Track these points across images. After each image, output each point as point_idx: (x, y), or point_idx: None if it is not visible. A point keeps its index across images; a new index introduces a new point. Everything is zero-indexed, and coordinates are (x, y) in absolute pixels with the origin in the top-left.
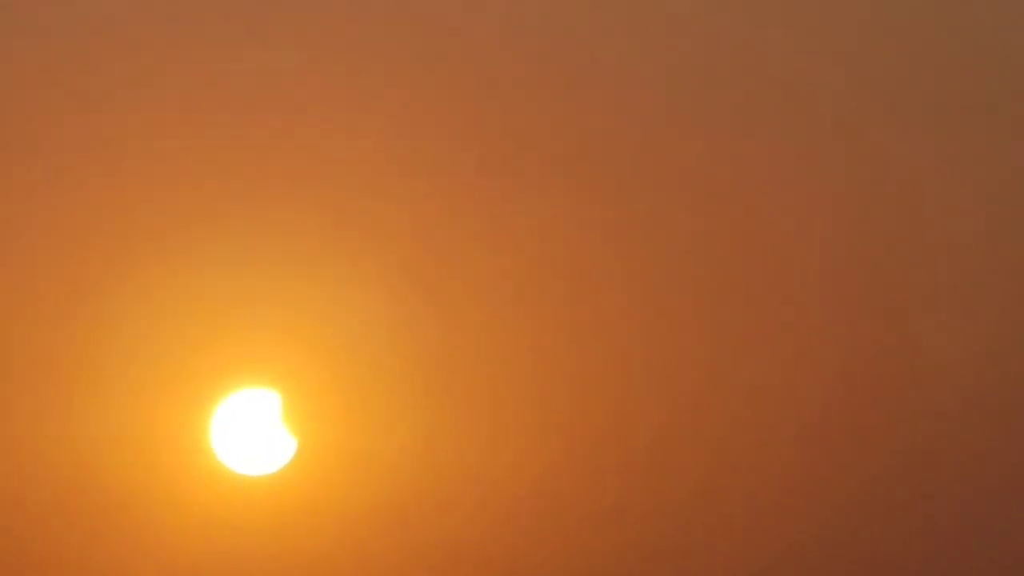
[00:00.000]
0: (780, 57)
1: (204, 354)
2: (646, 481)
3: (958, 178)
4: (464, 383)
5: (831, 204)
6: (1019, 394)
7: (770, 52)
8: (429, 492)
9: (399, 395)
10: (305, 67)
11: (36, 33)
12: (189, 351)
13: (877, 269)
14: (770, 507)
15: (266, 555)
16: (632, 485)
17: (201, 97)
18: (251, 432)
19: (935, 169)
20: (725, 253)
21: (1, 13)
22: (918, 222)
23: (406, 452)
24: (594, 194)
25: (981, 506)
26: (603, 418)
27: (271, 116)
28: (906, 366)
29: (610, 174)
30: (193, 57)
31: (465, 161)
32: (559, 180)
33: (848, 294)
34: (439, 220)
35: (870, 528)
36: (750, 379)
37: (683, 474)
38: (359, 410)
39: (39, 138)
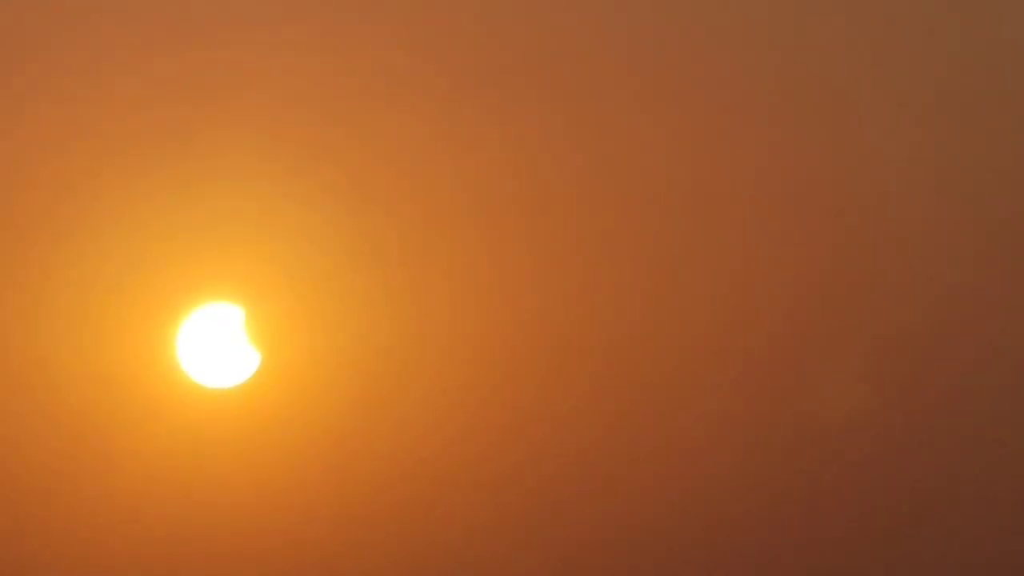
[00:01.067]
0: None
1: (169, 269)
2: (621, 372)
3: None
4: (426, 293)
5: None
6: None
7: None
8: (391, 404)
9: (361, 308)
10: None
11: None
12: (154, 266)
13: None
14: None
15: (231, 466)
16: (606, 375)
17: (171, 16)
18: (216, 346)
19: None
20: (701, 178)
21: None
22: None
23: (368, 364)
24: (555, 105)
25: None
26: (569, 316)
27: (242, 35)
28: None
29: (577, 81)
30: None
31: (428, 81)
32: (524, 95)
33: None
34: (401, 135)
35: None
36: (718, 292)
37: (656, 363)
38: (322, 323)
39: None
